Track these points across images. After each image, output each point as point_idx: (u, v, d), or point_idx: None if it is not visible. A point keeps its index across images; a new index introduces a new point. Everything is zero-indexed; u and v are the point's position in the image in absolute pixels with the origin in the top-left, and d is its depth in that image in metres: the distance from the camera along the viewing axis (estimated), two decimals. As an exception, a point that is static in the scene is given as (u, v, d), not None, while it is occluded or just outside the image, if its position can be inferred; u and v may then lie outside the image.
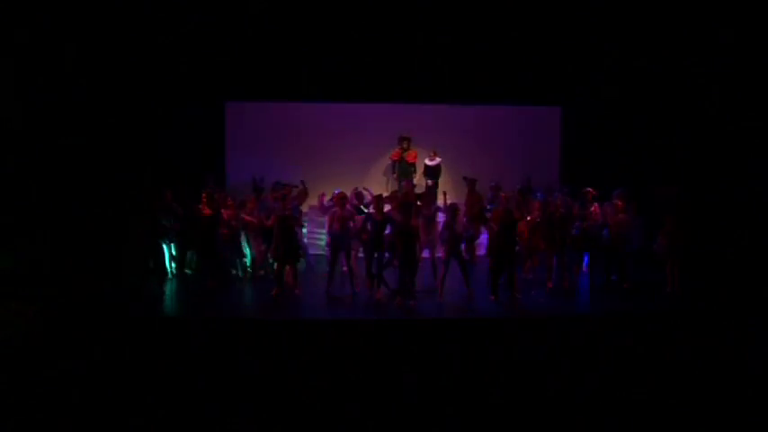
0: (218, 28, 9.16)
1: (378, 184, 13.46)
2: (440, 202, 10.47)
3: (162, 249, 10.20)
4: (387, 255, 9.28)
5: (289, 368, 4.84)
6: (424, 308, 8.91)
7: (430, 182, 12.88)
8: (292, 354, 5.92)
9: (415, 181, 12.82)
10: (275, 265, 9.56)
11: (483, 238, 11.07)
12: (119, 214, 10.42)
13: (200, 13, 9.04)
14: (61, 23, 8.61)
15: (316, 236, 12.01)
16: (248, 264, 10.53)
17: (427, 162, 13.06)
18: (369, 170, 13.63)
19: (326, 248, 10.09)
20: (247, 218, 10.25)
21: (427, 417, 3.97)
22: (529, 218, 9.85)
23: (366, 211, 9.88)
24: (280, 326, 6.86)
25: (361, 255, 9.94)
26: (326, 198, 10.99)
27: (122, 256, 10.08)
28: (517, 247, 9.42)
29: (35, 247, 8.97)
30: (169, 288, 9.93)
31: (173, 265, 10.51)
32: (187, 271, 10.56)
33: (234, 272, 10.33)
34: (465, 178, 11.97)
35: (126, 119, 11.39)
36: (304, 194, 11.48)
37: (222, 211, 9.93)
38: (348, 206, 9.69)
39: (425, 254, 10.06)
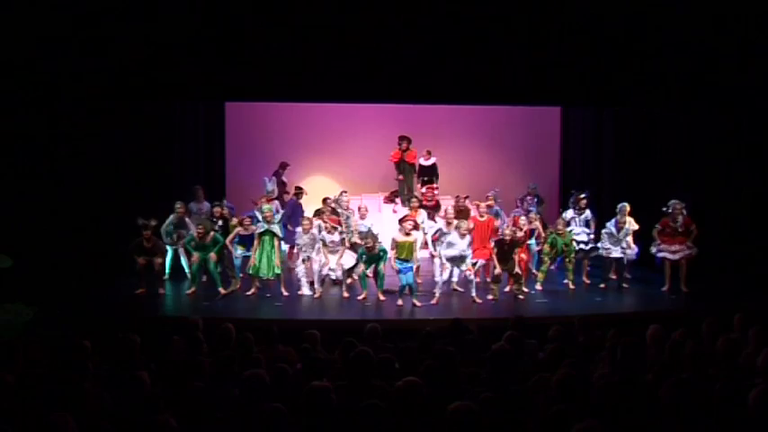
0: (218, 27, 9.16)
1: (378, 184, 13.47)
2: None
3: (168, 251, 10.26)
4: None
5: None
6: (423, 309, 8.99)
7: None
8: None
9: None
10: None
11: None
12: (118, 214, 10.43)
13: (201, 13, 9.05)
14: (59, 22, 8.62)
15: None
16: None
17: (422, 162, 12.64)
18: (369, 170, 13.61)
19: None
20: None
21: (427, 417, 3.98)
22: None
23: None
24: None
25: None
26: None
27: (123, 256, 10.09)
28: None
29: (35, 248, 8.98)
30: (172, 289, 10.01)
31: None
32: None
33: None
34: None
35: (125, 118, 11.39)
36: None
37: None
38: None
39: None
